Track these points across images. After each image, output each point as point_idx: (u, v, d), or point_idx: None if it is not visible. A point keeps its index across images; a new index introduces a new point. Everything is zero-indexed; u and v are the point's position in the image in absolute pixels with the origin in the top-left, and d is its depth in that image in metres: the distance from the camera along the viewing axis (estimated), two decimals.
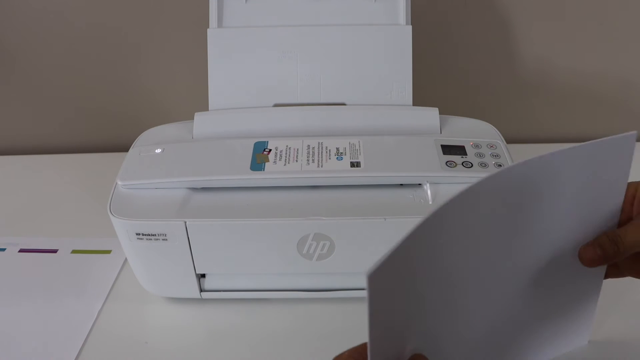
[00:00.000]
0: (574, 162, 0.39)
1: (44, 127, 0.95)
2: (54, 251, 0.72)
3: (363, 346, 0.38)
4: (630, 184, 0.44)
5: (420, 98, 0.67)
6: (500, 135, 0.63)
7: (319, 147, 0.59)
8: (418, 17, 0.64)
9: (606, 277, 0.48)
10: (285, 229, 0.55)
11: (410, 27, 0.64)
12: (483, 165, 0.57)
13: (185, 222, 0.54)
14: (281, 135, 0.61)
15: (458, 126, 0.64)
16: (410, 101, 0.65)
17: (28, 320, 0.63)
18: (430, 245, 0.35)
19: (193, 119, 0.64)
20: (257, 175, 0.56)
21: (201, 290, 0.62)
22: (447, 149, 0.59)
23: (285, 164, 0.57)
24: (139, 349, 0.59)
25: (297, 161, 0.57)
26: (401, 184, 0.57)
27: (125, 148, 0.63)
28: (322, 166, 0.57)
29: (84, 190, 0.83)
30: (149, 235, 0.55)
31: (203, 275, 0.61)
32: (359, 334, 0.59)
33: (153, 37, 0.85)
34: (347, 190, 0.57)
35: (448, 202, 0.34)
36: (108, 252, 0.72)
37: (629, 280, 0.48)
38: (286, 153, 0.58)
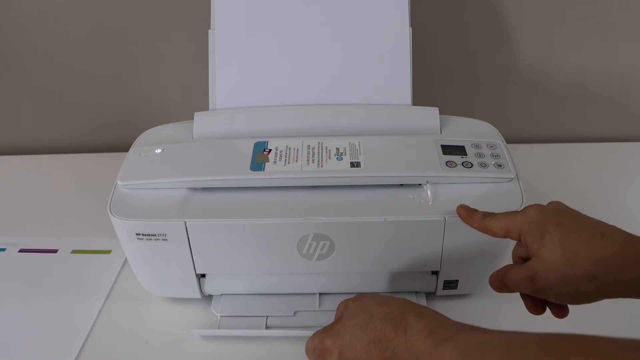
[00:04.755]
0: None
1: (44, 127, 0.95)
2: (54, 251, 0.72)
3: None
4: (511, 224, 0.46)
5: (420, 98, 0.67)
6: (500, 135, 0.63)
7: (319, 147, 0.59)
8: (418, 17, 0.64)
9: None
10: (285, 229, 0.55)
11: (409, 27, 0.64)
12: (483, 165, 0.57)
13: (185, 222, 0.54)
14: (281, 135, 0.61)
15: (458, 126, 0.64)
16: (410, 101, 0.64)
17: (28, 320, 0.63)
18: None
19: (193, 119, 0.64)
20: (257, 175, 0.56)
21: (201, 291, 0.62)
22: (447, 149, 0.59)
23: (285, 164, 0.57)
24: (139, 349, 0.59)
25: (297, 161, 0.57)
26: (401, 184, 0.57)
27: (125, 148, 0.63)
28: (322, 166, 0.57)
29: (84, 190, 0.83)
30: (149, 235, 0.55)
31: (203, 275, 0.61)
32: None
33: (153, 37, 0.85)
34: (347, 190, 0.57)
35: None
36: (108, 252, 0.72)
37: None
38: (286, 153, 0.58)
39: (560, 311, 0.47)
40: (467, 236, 0.55)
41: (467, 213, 0.52)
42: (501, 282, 0.47)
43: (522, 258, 0.47)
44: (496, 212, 0.50)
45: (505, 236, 0.48)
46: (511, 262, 0.49)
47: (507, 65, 0.87)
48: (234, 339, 0.59)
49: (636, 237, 0.42)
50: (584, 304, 0.45)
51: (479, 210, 0.52)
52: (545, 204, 0.48)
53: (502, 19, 0.83)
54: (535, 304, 0.47)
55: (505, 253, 0.58)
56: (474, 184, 0.56)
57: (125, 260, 0.69)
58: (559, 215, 0.45)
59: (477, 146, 0.60)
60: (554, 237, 0.43)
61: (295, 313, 0.61)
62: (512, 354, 0.34)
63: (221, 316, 0.61)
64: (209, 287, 0.62)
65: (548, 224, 0.44)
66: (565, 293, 0.42)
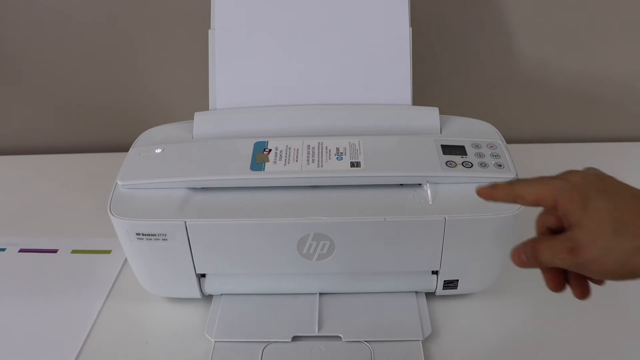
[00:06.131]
0: None
1: (44, 127, 0.95)
2: (54, 251, 0.72)
3: None
4: (546, 190, 0.42)
5: (420, 98, 0.67)
6: (500, 135, 0.63)
7: (319, 147, 0.59)
8: (418, 17, 0.64)
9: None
10: (285, 229, 0.55)
11: (409, 27, 0.64)
12: (483, 165, 0.57)
13: (185, 222, 0.54)
14: (281, 135, 0.61)
15: (458, 126, 0.64)
16: (410, 101, 0.65)
17: (28, 320, 0.63)
18: None
19: (193, 119, 0.64)
20: (257, 175, 0.56)
21: (201, 291, 0.62)
22: (447, 149, 0.59)
23: (285, 164, 0.57)
24: (139, 349, 0.59)
25: (297, 161, 0.57)
26: (401, 184, 0.57)
27: (125, 148, 0.63)
28: (322, 166, 0.57)
29: (84, 190, 0.83)
30: (149, 235, 0.55)
31: (203, 275, 0.61)
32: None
33: (153, 37, 0.85)
34: (347, 190, 0.57)
35: None
36: (108, 252, 0.72)
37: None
38: (286, 153, 0.58)
39: (582, 291, 0.43)
40: (467, 236, 0.55)
41: (490, 187, 0.45)
42: (530, 256, 0.42)
43: (550, 228, 0.44)
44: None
45: (536, 202, 0.42)
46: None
47: (507, 65, 0.87)
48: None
49: None
50: (629, 280, 0.40)
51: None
52: None
53: (502, 19, 0.83)
54: (558, 280, 0.44)
55: (506, 252, 0.58)
56: (474, 183, 0.56)
57: (125, 260, 0.69)
58: (602, 182, 0.41)
59: (477, 146, 0.60)
60: (600, 205, 0.39)
61: (293, 338, 0.58)
62: None
63: (215, 341, 0.59)
64: (209, 287, 0.62)
65: (591, 190, 0.40)
66: (610, 267, 0.38)
